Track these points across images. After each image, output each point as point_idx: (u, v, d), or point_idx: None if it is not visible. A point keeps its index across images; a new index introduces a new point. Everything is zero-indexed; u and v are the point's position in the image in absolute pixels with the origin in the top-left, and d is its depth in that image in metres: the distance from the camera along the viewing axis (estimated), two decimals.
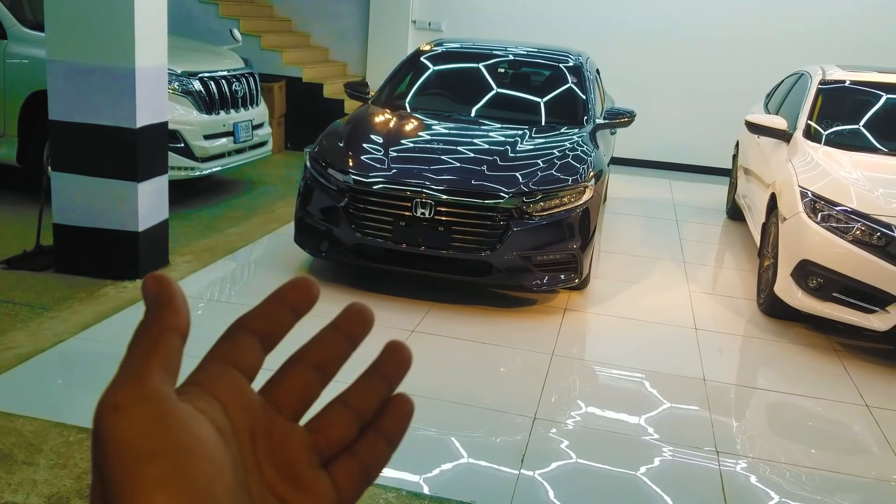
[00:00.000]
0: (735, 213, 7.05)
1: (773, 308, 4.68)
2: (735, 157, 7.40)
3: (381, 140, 4.96)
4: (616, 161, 8.68)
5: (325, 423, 0.42)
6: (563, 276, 4.59)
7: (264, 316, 0.41)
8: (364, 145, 4.93)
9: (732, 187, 7.29)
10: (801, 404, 3.89)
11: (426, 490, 2.87)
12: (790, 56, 8.32)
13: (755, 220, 5.65)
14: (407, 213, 4.46)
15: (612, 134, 6.37)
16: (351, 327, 0.43)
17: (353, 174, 4.60)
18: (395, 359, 0.44)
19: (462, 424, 3.36)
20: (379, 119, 5.41)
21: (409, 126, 5.42)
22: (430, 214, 4.43)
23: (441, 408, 3.47)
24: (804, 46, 8.61)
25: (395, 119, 5.43)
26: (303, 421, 0.42)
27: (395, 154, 4.82)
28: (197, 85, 6.31)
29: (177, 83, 6.16)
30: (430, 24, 9.88)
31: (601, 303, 4.92)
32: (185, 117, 6.14)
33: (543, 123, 5.57)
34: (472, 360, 4.01)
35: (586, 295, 5.00)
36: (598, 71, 6.84)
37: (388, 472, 2.87)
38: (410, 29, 9.92)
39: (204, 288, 4.72)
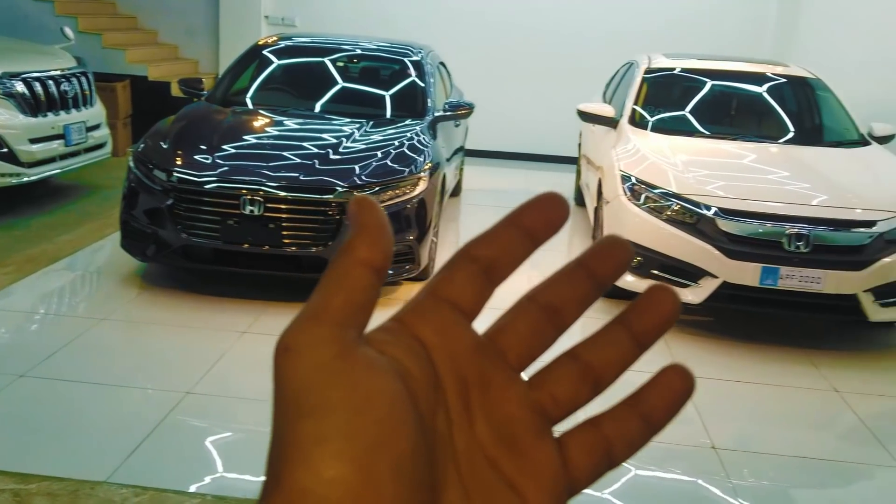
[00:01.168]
0: (581, 199, 7.30)
1: None
2: (580, 145, 7.66)
3: (210, 137, 4.83)
4: (473, 153, 8.83)
5: (552, 378, 0.35)
6: (399, 268, 4.61)
7: (494, 242, 0.35)
8: (192, 143, 4.78)
9: (578, 175, 7.55)
10: (626, 378, 4.06)
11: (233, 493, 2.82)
12: (634, 45, 8.67)
13: (590, 205, 5.87)
14: (236, 212, 4.36)
15: (457, 126, 6.45)
16: (600, 265, 0.35)
17: (179, 173, 4.46)
18: (655, 300, 0.35)
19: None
20: (210, 116, 5.26)
21: (245, 122, 5.32)
22: (259, 212, 4.35)
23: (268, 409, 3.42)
24: (647, 35, 8.98)
25: (229, 115, 5.30)
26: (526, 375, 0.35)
27: (226, 151, 4.70)
28: (20, 86, 5.95)
29: None
30: (283, 19, 9.72)
31: None
32: (7, 121, 5.79)
33: (385, 117, 5.59)
34: None
35: None
36: (443, 64, 6.92)
37: (209, 475, 2.80)
38: (263, 24, 9.72)
39: (18, 301, 4.46)
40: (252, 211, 4.33)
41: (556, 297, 0.35)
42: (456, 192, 7.45)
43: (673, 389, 0.35)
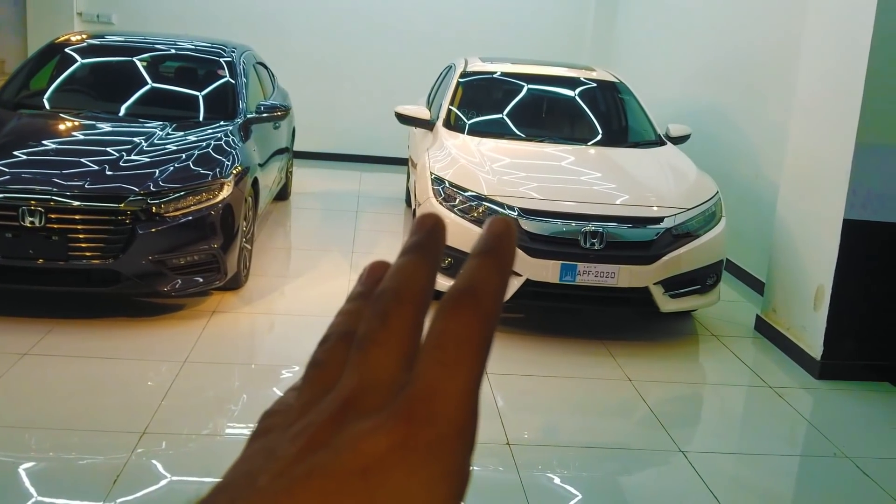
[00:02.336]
0: (412, 201, 7.33)
1: None
2: (409, 147, 7.69)
3: None
4: (304, 155, 8.68)
5: None
6: (203, 278, 4.42)
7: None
8: None
9: (408, 177, 7.58)
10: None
11: None
12: (463, 49, 8.81)
13: (413, 206, 5.89)
14: (14, 224, 4.02)
15: (276, 128, 6.29)
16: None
17: None
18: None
19: (54, 450, 3.08)
20: None
21: (34, 126, 4.94)
22: (41, 223, 4.03)
23: (43, 436, 3.16)
24: (477, 39, 9.16)
25: (14, 119, 4.91)
26: None
27: (8, 159, 4.33)
28: None
29: None
30: (98, 16, 9.15)
31: (255, 301, 4.83)
32: None
33: (193, 119, 5.35)
34: (88, 380, 3.71)
35: (241, 294, 4.87)
36: (263, 64, 6.74)
37: None
38: (77, 21, 9.12)
39: None
40: (33, 222, 4.01)
41: None
42: (283, 195, 7.28)
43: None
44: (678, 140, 5.60)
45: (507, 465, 3.22)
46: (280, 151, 6.50)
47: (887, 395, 4.22)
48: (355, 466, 0.28)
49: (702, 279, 4.54)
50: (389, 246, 6.55)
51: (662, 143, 5.52)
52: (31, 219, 4.01)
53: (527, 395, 3.95)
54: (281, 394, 0.36)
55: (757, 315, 4.98)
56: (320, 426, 0.30)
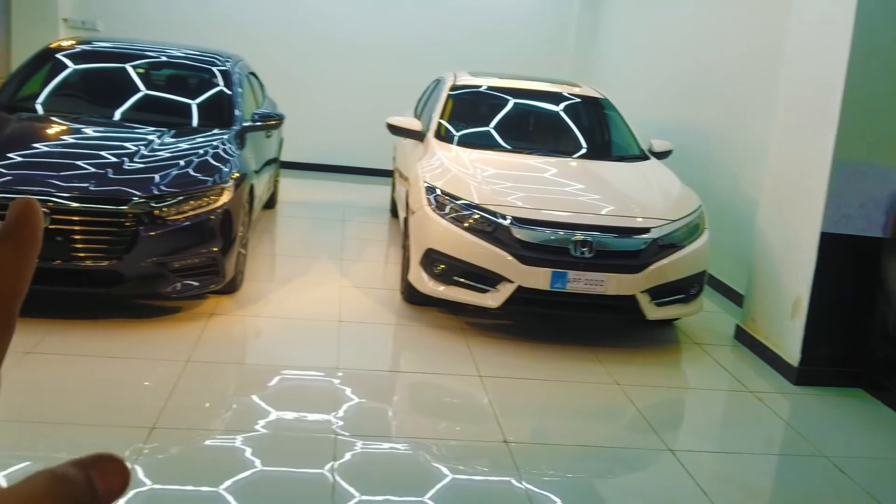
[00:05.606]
0: (395, 211, 7.45)
1: (412, 295, 5.02)
2: (394, 158, 7.83)
3: None
4: (290, 166, 8.77)
5: None
6: (202, 281, 4.50)
7: None
8: None
9: (393, 187, 7.71)
10: (429, 381, 4.21)
11: None
12: (448, 63, 8.99)
13: (402, 216, 6.01)
14: None
15: (268, 137, 6.39)
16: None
17: None
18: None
19: (67, 446, 3.14)
20: None
21: (33, 129, 4.98)
22: (46, 224, 4.08)
23: (47, 430, 3.22)
24: (461, 54, 9.35)
25: (13, 122, 4.95)
26: None
27: (10, 160, 4.38)
28: None
29: None
30: (83, 22, 9.18)
31: (250, 304, 4.91)
32: None
33: (189, 125, 5.44)
34: (94, 377, 3.77)
35: (236, 298, 4.96)
36: (254, 74, 6.84)
37: None
38: (62, 27, 9.13)
39: None
40: None
41: None
42: (271, 204, 7.37)
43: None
44: (661, 155, 5.81)
45: (505, 464, 3.35)
46: (271, 161, 6.60)
47: (861, 400, 4.44)
48: None
49: (686, 288, 4.73)
50: (377, 253, 6.67)
51: (646, 158, 5.72)
52: None
53: (520, 397, 4.08)
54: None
55: (737, 324, 5.18)
56: None
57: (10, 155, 4.43)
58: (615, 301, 4.56)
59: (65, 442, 3.16)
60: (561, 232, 4.52)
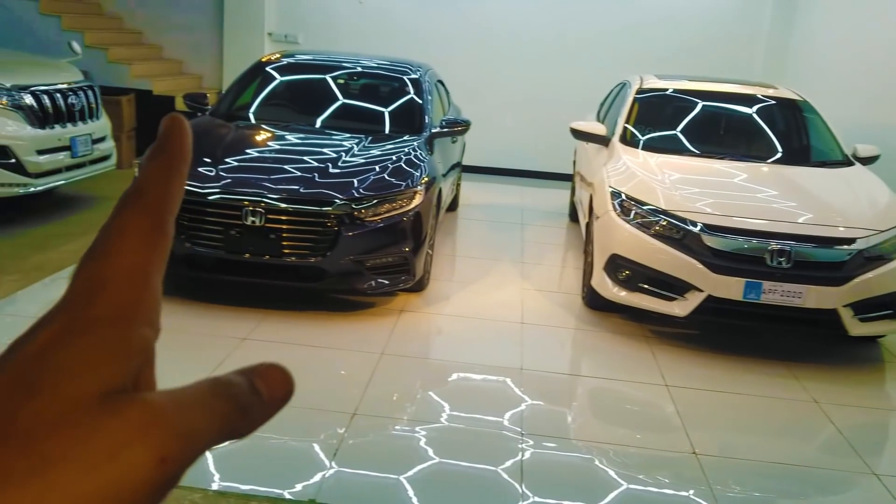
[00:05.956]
0: (575, 215, 7.45)
1: (593, 300, 5.02)
2: (574, 162, 7.83)
3: (214, 151, 4.98)
4: (471, 169, 9.00)
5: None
6: (395, 279, 4.75)
7: None
8: (196, 156, 4.88)
9: (572, 191, 7.71)
10: (611, 387, 4.20)
11: (236, 487, 2.95)
12: (628, 67, 8.87)
13: (582, 221, 6.02)
14: (238, 223, 4.51)
15: (454, 142, 6.62)
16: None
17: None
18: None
19: (278, 425, 3.44)
20: (215, 130, 5.42)
21: (247, 136, 5.48)
22: (260, 223, 4.50)
23: None
24: (642, 57, 9.18)
25: (232, 129, 5.47)
26: None
27: (229, 164, 4.85)
28: (29, 99, 6.11)
29: (6, 97, 5.96)
30: (286, 36, 9.92)
31: (437, 303, 5.12)
32: (16, 132, 5.94)
33: (383, 132, 5.75)
34: (301, 364, 4.10)
35: (424, 296, 5.19)
36: (441, 83, 7.10)
37: (193, 473, 2.92)
38: (267, 41, 9.92)
39: (23, 307, 4.59)
40: (254, 222, 4.48)
41: None
42: (453, 206, 7.62)
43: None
44: (867, 161, 5.43)
45: (693, 476, 3.29)
46: (455, 165, 6.83)
47: None
48: (32, 351, 0.33)
49: (894, 303, 4.40)
50: (556, 257, 6.72)
51: (850, 164, 5.37)
52: (252, 218, 4.48)
53: (709, 409, 3.97)
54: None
55: None
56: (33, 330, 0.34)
57: (229, 160, 4.90)
58: (814, 315, 4.32)
59: (274, 421, 3.47)
60: (755, 240, 4.35)
